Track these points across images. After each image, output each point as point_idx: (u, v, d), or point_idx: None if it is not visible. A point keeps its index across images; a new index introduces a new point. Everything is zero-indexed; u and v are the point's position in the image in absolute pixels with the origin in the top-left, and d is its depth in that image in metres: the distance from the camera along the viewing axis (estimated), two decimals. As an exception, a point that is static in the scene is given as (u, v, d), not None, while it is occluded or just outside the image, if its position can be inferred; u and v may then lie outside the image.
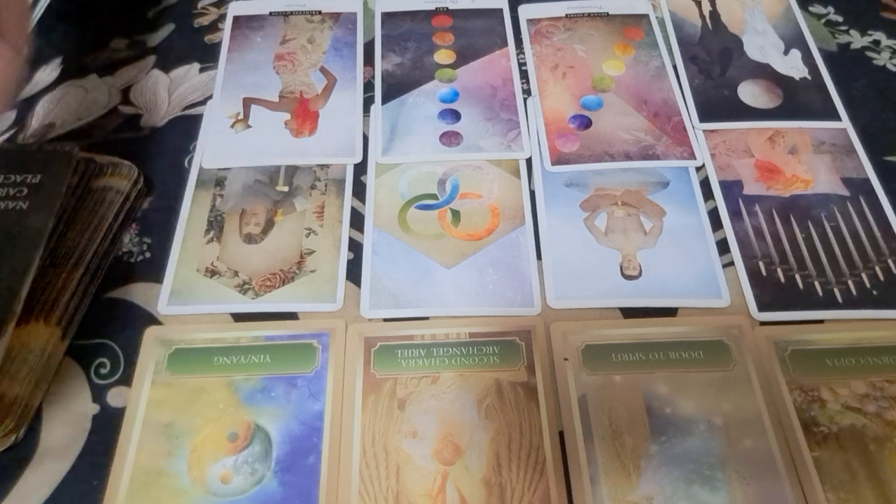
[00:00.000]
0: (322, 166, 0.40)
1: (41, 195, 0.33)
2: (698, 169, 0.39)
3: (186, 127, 0.41)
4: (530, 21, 0.47)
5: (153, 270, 0.36)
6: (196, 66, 0.44)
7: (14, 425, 0.30)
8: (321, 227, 0.37)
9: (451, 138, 0.41)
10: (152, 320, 0.34)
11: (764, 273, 0.35)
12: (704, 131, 0.41)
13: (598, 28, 0.46)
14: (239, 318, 0.34)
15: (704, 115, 0.42)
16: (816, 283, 0.35)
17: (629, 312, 0.34)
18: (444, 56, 0.45)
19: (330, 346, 0.33)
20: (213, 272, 0.35)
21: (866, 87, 0.43)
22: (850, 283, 0.35)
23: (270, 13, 0.47)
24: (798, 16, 0.47)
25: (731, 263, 0.36)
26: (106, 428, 0.31)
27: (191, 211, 0.38)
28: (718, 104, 0.42)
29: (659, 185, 0.39)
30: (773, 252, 0.36)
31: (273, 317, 0.34)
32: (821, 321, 0.34)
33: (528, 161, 0.40)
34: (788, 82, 0.43)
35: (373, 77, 0.44)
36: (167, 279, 0.35)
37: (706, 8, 0.47)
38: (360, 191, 0.39)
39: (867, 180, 0.39)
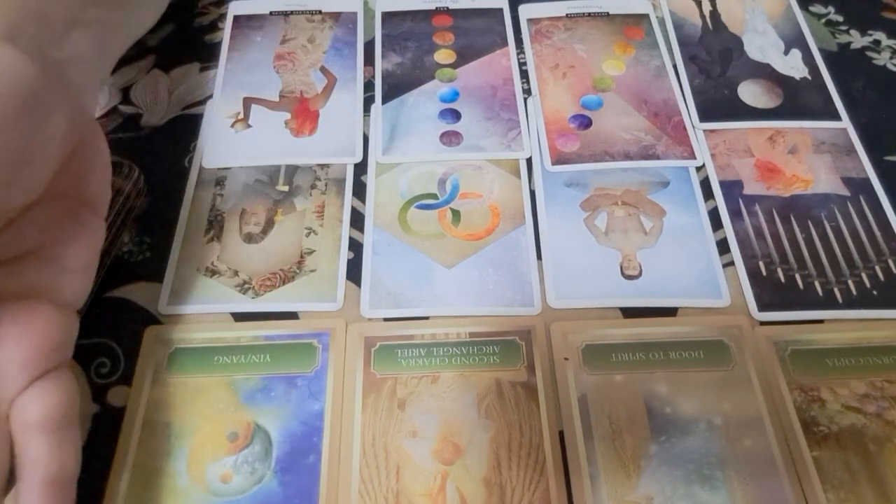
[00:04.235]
0: (322, 166, 0.40)
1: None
2: (698, 169, 0.39)
3: (186, 126, 0.41)
4: (530, 21, 0.47)
5: (153, 270, 0.35)
6: (196, 65, 0.44)
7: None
8: (321, 227, 0.37)
9: (451, 138, 0.41)
10: (152, 320, 0.34)
11: (764, 273, 0.35)
12: (704, 131, 0.41)
13: (598, 28, 0.46)
14: (239, 317, 0.34)
15: (704, 115, 0.42)
16: (816, 283, 0.35)
17: (629, 312, 0.34)
18: (444, 56, 0.45)
19: (330, 346, 0.33)
20: (213, 272, 0.35)
21: (866, 87, 0.43)
22: (850, 283, 0.35)
23: (271, 13, 0.47)
24: (798, 16, 0.47)
25: (731, 263, 0.36)
26: (106, 427, 0.31)
27: (191, 210, 0.38)
28: (718, 104, 0.42)
29: (659, 184, 0.39)
30: (773, 252, 0.36)
31: (273, 316, 0.34)
32: (821, 321, 0.34)
33: (529, 161, 0.40)
34: (788, 82, 0.43)
35: (373, 77, 0.44)
36: (167, 279, 0.35)
37: (706, 8, 0.47)
38: (360, 190, 0.39)
39: (867, 180, 0.39)
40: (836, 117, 0.41)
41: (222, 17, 0.47)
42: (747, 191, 0.38)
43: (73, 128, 0.26)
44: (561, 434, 0.30)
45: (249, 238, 0.37)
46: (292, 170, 0.39)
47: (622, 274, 0.35)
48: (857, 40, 0.46)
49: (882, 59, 0.45)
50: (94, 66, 0.29)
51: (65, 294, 0.27)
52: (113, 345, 0.33)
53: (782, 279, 0.35)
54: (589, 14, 0.47)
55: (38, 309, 0.26)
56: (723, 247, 0.36)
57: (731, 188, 0.38)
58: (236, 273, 0.35)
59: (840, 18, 0.47)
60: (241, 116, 0.42)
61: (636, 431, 0.30)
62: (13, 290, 0.25)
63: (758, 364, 0.32)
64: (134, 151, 0.40)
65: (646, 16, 0.47)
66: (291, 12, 0.47)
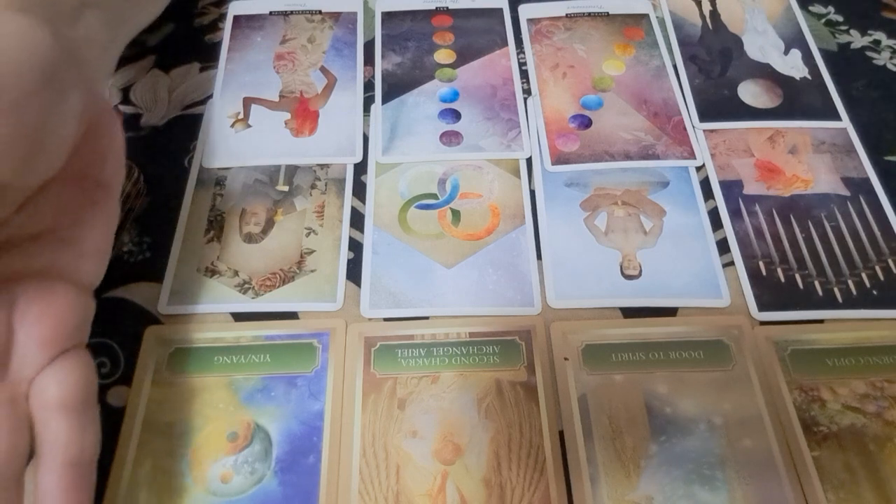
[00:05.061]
0: (322, 166, 0.40)
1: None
2: (698, 169, 0.39)
3: (186, 126, 0.41)
4: (530, 21, 0.47)
5: (153, 270, 0.35)
6: (196, 65, 0.44)
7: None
8: (321, 227, 0.37)
9: (451, 138, 0.41)
10: (152, 320, 0.34)
11: (764, 273, 0.35)
12: (704, 131, 0.41)
13: (598, 28, 0.46)
14: (239, 317, 0.34)
15: (704, 115, 0.42)
16: (816, 283, 0.35)
17: (629, 312, 0.34)
18: (444, 56, 0.45)
19: (330, 346, 0.33)
20: (213, 272, 0.35)
21: (866, 87, 0.43)
22: (850, 283, 0.35)
23: (270, 13, 0.47)
24: (798, 15, 0.47)
25: (731, 263, 0.36)
26: (106, 428, 0.31)
27: (191, 210, 0.38)
28: (718, 104, 0.42)
29: (659, 184, 0.39)
30: (773, 252, 0.36)
31: (273, 316, 0.34)
32: (821, 321, 0.34)
33: (528, 161, 0.40)
34: (788, 82, 0.43)
35: (373, 77, 0.44)
36: (167, 279, 0.35)
37: (706, 8, 0.47)
38: (360, 190, 0.39)
39: (867, 180, 0.39)
40: (836, 117, 0.41)
41: (222, 17, 0.47)
42: (747, 191, 0.38)
43: (87, 108, 0.25)
44: (561, 434, 0.31)
45: (249, 238, 0.37)
46: (292, 170, 0.39)
47: (622, 274, 0.35)
48: (857, 40, 0.46)
49: (882, 59, 0.45)
50: (104, 50, 0.30)
51: (81, 274, 0.27)
52: (113, 345, 0.33)
53: (782, 279, 0.35)
54: (589, 14, 0.47)
55: (55, 289, 0.26)
56: (723, 247, 0.36)
57: (731, 188, 0.38)
58: (236, 273, 0.35)
59: (840, 18, 0.47)
60: (241, 116, 0.42)
61: (636, 431, 0.30)
62: (30, 270, 0.25)
63: (758, 364, 0.32)
64: (134, 151, 0.40)
65: (646, 16, 0.47)
66: (291, 12, 0.47)
